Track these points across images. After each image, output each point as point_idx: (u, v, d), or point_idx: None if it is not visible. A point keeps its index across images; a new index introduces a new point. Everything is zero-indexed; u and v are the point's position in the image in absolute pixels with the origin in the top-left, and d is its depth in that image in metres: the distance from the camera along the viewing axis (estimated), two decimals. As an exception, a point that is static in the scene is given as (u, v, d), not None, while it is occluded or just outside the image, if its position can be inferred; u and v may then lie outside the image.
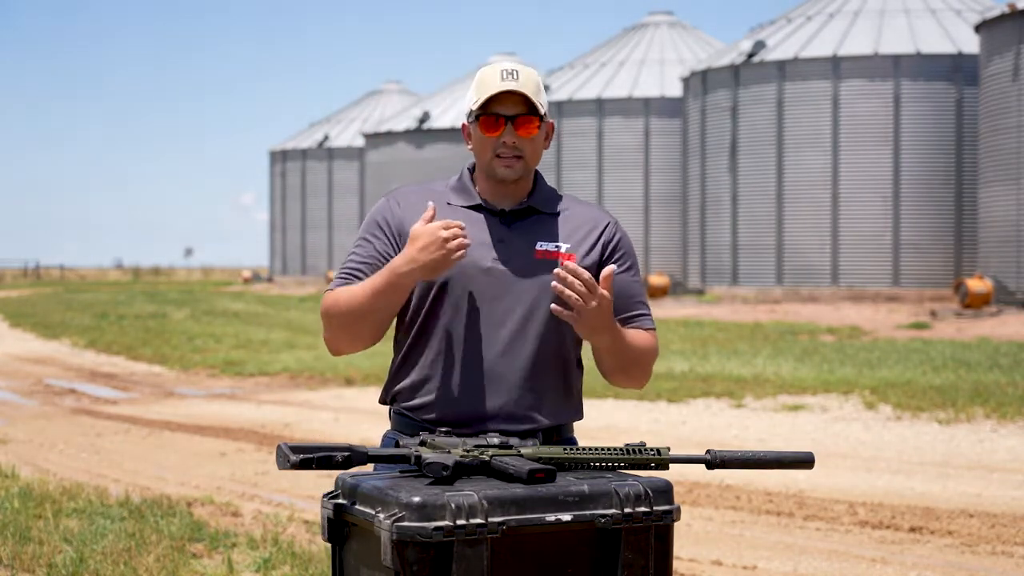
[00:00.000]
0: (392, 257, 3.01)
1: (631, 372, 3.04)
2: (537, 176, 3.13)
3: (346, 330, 2.99)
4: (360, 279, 3.01)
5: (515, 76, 2.99)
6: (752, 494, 8.14)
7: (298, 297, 44.57)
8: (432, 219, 2.90)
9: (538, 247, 3.03)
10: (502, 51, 54.75)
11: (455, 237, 2.86)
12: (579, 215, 3.10)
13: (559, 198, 3.13)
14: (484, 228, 3.04)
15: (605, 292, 2.84)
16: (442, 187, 3.13)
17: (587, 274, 2.83)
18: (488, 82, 3.00)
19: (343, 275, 3.04)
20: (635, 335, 3.03)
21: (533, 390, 2.99)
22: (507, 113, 3.00)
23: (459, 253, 2.86)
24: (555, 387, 3.03)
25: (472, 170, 3.12)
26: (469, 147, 3.08)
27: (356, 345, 3.03)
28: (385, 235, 3.05)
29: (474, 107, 3.01)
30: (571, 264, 2.83)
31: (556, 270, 2.85)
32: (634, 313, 3.07)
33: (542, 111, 3.01)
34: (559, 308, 2.85)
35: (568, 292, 2.82)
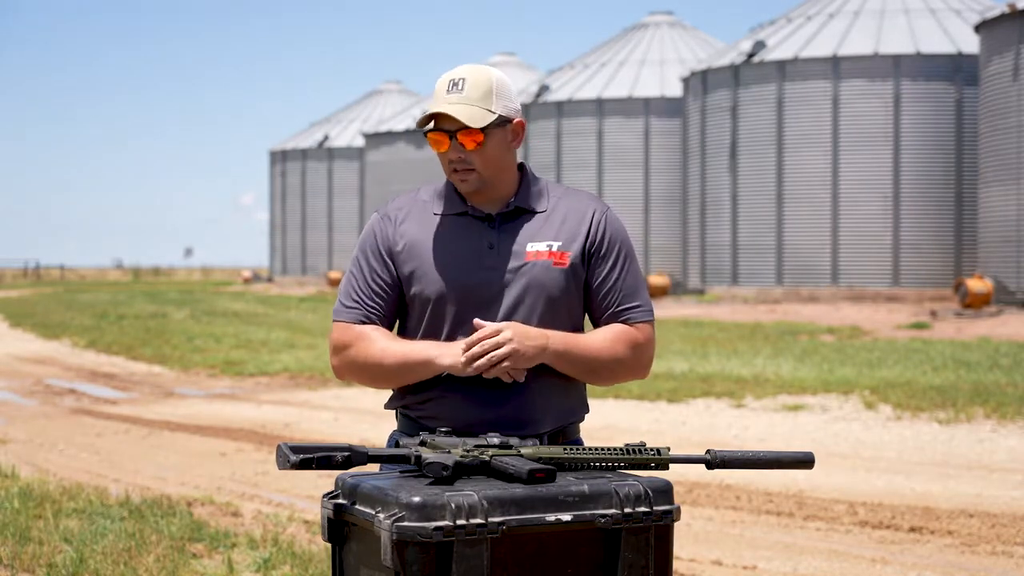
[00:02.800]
0: (395, 284, 3.02)
1: (602, 374, 3.02)
2: (523, 172, 3.07)
3: (367, 378, 3.02)
4: (371, 309, 3.01)
5: (459, 87, 2.92)
6: (752, 494, 8.14)
7: (298, 297, 44.56)
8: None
9: (528, 248, 2.99)
10: (502, 51, 54.78)
11: (476, 357, 2.87)
12: (568, 208, 3.04)
13: (547, 192, 3.07)
14: (473, 235, 3.01)
15: (499, 326, 2.86)
16: (428, 196, 3.08)
17: (481, 331, 2.87)
18: (437, 94, 2.96)
19: (354, 304, 3.02)
20: (592, 338, 3.00)
21: (536, 393, 2.98)
22: (448, 128, 2.94)
23: (477, 364, 2.87)
24: (558, 388, 3.02)
25: None
26: None
27: (370, 387, 3.09)
28: (383, 260, 3.03)
29: (424, 124, 2.97)
30: (478, 329, 2.88)
31: (465, 351, 2.89)
32: (619, 308, 3.03)
33: (485, 123, 2.91)
34: (496, 374, 2.89)
35: (486, 358, 2.86)
